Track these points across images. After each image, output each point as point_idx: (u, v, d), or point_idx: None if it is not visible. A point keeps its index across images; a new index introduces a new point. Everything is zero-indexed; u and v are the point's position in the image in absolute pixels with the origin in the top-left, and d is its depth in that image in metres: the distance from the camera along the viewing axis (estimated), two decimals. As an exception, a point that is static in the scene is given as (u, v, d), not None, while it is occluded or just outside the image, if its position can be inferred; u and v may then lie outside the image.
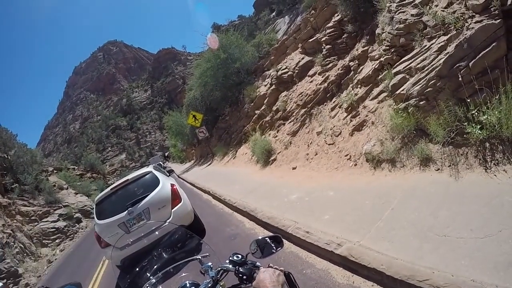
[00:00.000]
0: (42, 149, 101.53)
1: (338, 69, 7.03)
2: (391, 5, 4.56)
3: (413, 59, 3.82)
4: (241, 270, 1.07)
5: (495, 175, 2.71)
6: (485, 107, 2.89)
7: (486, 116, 2.85)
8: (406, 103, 3.76)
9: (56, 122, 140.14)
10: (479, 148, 2.97)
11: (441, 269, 1.97)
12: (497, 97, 2.83)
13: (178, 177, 16.23)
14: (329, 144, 5.85)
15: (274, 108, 9.71)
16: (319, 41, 8.42)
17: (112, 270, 5.44)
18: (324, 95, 7.19)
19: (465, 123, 3.03)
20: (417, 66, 3.66)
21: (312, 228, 3.32)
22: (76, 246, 11.33)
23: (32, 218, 11.90)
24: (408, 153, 3.79)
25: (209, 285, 1.12)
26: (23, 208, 12.09)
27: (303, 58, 9.22)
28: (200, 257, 1.35)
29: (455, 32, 3.24)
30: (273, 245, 1.22)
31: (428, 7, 3.83)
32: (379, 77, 5.01)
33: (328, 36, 7.84)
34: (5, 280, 7.47)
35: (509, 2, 2.88)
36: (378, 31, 5.14)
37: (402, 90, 3.83)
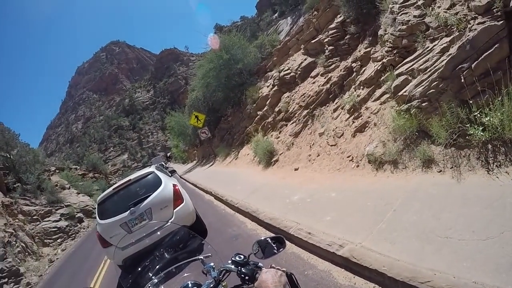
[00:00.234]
0: (44, 149, 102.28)
1: (341, 70, 7.02)
2: (393, 6, 4.56)
3: (415, 61, 3.82)
4: (243, 270, 1.07)
5: (497, 177, 2.70)
6: (488, 109, 2.88)
7: (488, 118, 2.84)
8: (409, 104, 3.75)
9: (58, 122, 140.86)
10: (482, 150, 2.96)
11: (443, 271, 1.97)
12: (499, 98, 2.82)
13: (180, 177, 16.26)
14: (331, 146, 5.85)
15: (277, 109, 9.72)
16: (321, 42, 8.42)
17: (114, 270, 5.46)
18: (327, 96, 7.19)
19: (468, 125, 3.02)
20: (420, 68, 3.65)
21: (314, 229, 3.32)
22: (78, 245, 11.36)
23: (34, 217, 11.95)
24: (410, 155, 3.78)
25: (211, 285, 1.13)
26: (25, 207, 12.16)
27: (305, 59, 9.22)
28: (202, 258, 1.36)
29: (458, 33, 3.23)
30: (275, 246, 1.22)
31: (430, 8, 3.83)
32: (382, 79, 5.01)
33: (330, 37, 7.85)
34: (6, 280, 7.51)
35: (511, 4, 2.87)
36: (380, 32, 5.14)
37: (405, 92, 3.83)
